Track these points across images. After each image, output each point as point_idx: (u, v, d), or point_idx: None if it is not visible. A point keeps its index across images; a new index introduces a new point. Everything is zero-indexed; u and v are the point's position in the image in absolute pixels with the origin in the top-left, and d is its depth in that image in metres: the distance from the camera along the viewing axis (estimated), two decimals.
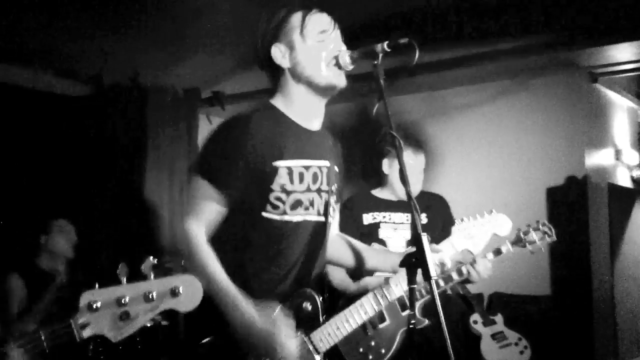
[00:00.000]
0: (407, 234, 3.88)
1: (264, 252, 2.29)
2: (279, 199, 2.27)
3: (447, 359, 1.95)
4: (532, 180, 4.86)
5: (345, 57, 2.23)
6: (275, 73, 2.37)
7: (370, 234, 3.81)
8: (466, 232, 2.80)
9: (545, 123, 4.92)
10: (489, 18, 4.59)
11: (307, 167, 2.33)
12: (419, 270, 2.04)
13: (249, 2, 4.22)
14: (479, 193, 4.48)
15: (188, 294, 1.60)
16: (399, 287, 2.64)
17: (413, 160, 3.81)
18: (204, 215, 2.22)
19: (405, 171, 2.08)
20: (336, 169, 2.48)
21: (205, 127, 5.89)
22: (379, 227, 3.88)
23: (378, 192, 4.01)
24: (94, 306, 1.56)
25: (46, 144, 5.23)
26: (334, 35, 2.32)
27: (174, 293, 1.59)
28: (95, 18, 4.29)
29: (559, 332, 4.35)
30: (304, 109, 2.37)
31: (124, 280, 1.61)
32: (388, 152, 3.88)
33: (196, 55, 5.05)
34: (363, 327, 2.95)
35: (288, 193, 2.28)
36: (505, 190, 4.85)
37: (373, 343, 3.08)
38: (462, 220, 2.82)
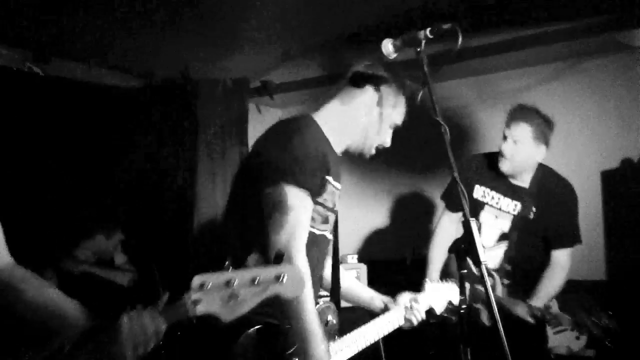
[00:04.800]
0: (506, 226, 3.72)
1: None
2: (317, 212, 2.35)
3: (499, 343, 1.96)
4: (586, 163, 4.76)
5: (388, 45, 2.25)
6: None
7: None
8: (435, 293, 2.96)
9: (598, 105, 4.81)
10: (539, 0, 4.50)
11: (336, 188, 2.45)
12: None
13: None
14: None
15: (291, 282, 1.65)
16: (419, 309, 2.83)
17: (531, 149, 3.63)
18: (306, 233, 2.22)
19: (452, 158, 2.09)
20: None
21: (255, 116, 5.95)
22: (482, 208, 3.74)
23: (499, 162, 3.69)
24: (205, 286, 1.64)
25: (96, 138, 5.36)
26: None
27: (278, 279, 1.64)
28: (146, 14, 4.38)
29: (616, 318, 4.27)
30: (340, 136, 2.52)
31: (231, 268, 1.68)
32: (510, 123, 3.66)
33: (245, 48, 5.11)
34: None
35: (325, 209, 2.39)
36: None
37: None
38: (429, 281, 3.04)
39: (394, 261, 5.19)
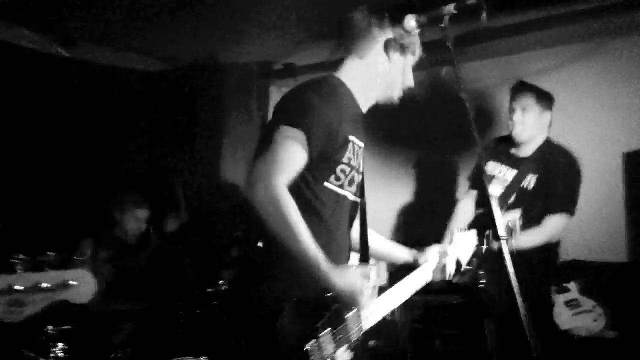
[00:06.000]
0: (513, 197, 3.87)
1: (312, 221, 2.24)
2: (343, 172, 2.35)
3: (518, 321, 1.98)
4: (608, 145, 4.72)
5: (412, 21, 2.24)
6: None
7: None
8: (463, 243, 2.81)
9: (623, 86, 4.74)
10: None
11: (360, 147, 2.44)
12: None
13: None
14: None
15: (80, 288, 1.68)
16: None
17: (538, 115, 3.90)
18: (290, 168, 2.19)
19: (476, 134, 2.10)
20: None
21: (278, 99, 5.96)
22: (491, 181, 3.93)
23: (504, 139, 4.07)
24: None
25: (124, 121, 5.43)
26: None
27: (66, 286, 1.66)
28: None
29: (636, 300, 4.26)
30: (369, 93, 2.51)
31: (19, 271, 1.67)
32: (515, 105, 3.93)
33: (267, 31, 5.12)
34: None
35: (351, 168, 2.37)
36: (582, 155, 4.74)
37: None
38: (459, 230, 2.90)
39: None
